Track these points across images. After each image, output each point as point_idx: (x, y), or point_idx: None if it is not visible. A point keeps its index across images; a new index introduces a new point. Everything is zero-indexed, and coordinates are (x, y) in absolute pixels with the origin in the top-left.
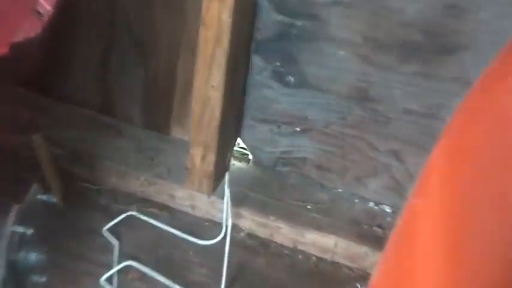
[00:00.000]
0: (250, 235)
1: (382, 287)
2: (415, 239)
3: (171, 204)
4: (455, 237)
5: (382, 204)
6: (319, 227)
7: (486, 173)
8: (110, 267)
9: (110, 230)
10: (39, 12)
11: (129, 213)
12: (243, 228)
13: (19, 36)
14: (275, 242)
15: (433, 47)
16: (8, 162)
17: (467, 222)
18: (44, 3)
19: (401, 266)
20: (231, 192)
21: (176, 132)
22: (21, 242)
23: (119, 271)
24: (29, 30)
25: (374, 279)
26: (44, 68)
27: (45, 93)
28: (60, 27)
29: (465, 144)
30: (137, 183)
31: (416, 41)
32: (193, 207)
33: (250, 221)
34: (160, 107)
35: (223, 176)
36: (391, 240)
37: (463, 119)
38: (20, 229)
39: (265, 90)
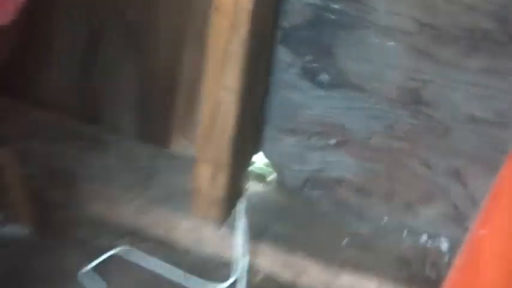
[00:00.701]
0: (271, 278)
1: None
2: (479, 274)
3: (171, 238)
4: None
5: (438, 237)
6: (357, 267)
7: None
8: None
9: (91, 272)
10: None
11: (116, 250)
12: (262, 269)
13: None
14: (302, 286)
15: (505, 37)
16: None
17: None
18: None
19: None
20: (248, 223)
21: (178, 146)
22: None
23: None
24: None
25: None
26: (13, 65)
27: (14, 97)
28: (34, 12)
29: None
30: (128, 211)
31: (485, 29)
32: (199, 241)
33: (271, 260)
34: (158, 114)
35: (237, 202)
36: (453, 275)
37: None
38: None
39: (293, 92)
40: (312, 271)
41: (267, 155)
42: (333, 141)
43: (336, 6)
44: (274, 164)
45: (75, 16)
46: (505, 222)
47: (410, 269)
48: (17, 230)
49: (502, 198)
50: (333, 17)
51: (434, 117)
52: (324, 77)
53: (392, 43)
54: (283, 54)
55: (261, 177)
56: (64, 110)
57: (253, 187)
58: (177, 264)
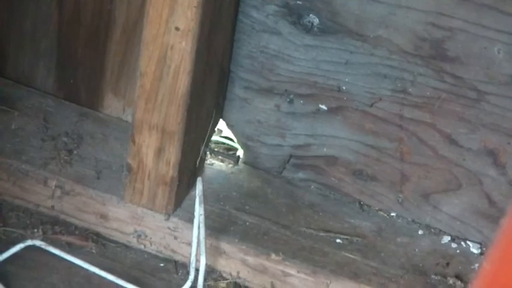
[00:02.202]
0: (237, 285)
1: None
2: None
3: (102, 230)
4: None
5: (464, 239)
6: (355, 276)
7: None
8: None
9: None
10: None
11: (27, 243)
12: (225, 273)
13: None
14: None
15: None
16: None
17: None
18: None
19: None
20: (207, 213)
21: (111, 107)
22: None
23: None
24: None
25: None
26: None
27: None
28: None
29: None
30: (43, 193)
31: None
32: (139, 235)
33: (238, 262)
34: (84, 65)
35: (193, 184)
36: (483, 276)
37: None
38: None
39: (269, 37)
40: (293, 279)
41: (231, 123)
42: (324, 106)
43: None
44: (241, 135)
45: None
46: None
47: (427, 279)
48: None
49: None
50: None
51: (463, 78)
52: (313, 18)
53: None
54: None
55: (225, 153)
56: None
57: (215, 165)
58: (109, 266)
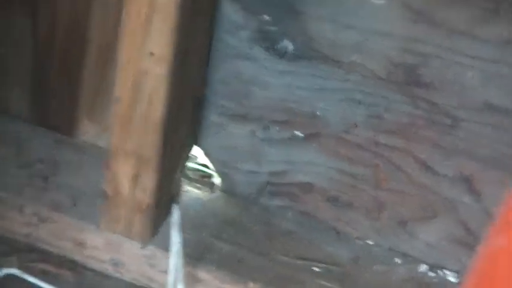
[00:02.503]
0: None
1: None
2: None
3: (79, 258)
4: None
5: (442, 268)
6: None
7: None
8: None
9: None
10: None
11: (3, 271)
12: None
13: None
14: None
15: None
16: None
17: None
18: None
19: None
20: (184, 241)
21: (87, 133)
22: None
23: None
24: None
25: None
26: None
27: None
28: None
29: None
30: (19, 221)
31: None
32: (116, 264)
33: None
34: (60, 91)
35: (170, 212)
36: None
37: None
38: None
39: (244, 63)
40: None
41: (206, 150)
42: (299, 133)
43: None
44: (217, 162)
45: None
46: None
47: None
48: None
49: None
50: None
51: (437, 104)
52: (287, 44)
53: (381, 1)
54: (231, 11)
55: (201, 180)
56: None
57: (191, 193)
58: None
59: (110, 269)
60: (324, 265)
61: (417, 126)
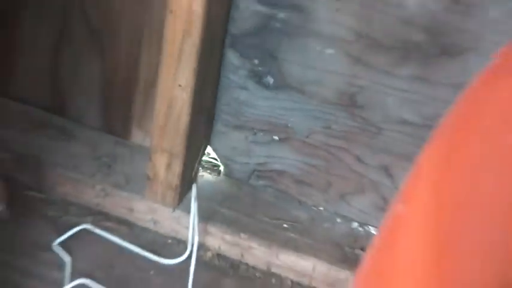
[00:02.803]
0: (219, 255)
1: None
2: (396, 248)
3: (130, 218)
4: (439, 248)
5: (367, 225)
6: (296, 248)
7: (480, 178)
8: (61, 286)
9: (61, 244)
10: None
11: (82, 226)
12: (211, 247)
13: None
14: (246, 264)
15: (434, 48)
16: None
17: (453, 232)
18: None
19: (381, 275)
20: (199, 207)
21: (137, 137)
22: None
23: None
24: None
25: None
26: None
27: None
28: (3, 10)
29: (459, 145)
30: (92, 194)
31: (416, 41)
32: (155, 222)
33: (219, 240)
34: (119, 108)
35: (190, 189)
36: (372, 247)
37: (458, 119)
38: None
39: (240, 91)
40: (255, 251)
41: (215, 149)
42: (276, 137)
43: (281, 15)
44: (222, 156)
45: (44, 16)
46: (421, 199)
47: (342, 251)
48: None
49: (419, 177)
50: (278, 25)
51: (368, 119)
52: (269, 79)
53: (331, 51)
54: (232, 58)
55: (211, 168)
56: (33, 101)
57: (205, 176)
58: (136, 242)
59: (151, 226)
60: (290, 223)
61: (354, 133)
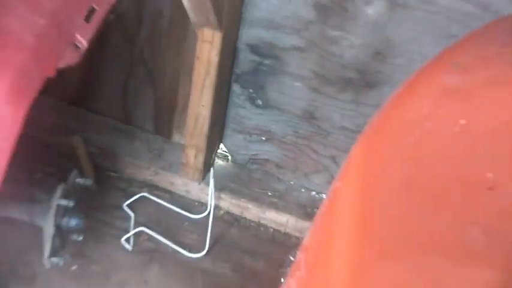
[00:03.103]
0: (227, 212)
1: (309, 253)
2: (334, 214)
3: (172, 189)
4: (365, 214)
5: (322, 193)
6: (276, 208)
7: (392, 163)
8: (128, 232)
9: (128, 206)
10: (76, 46)
11: (141, 194)
12: (222, 207)
13: (62, 64)
14: (245, 218)
15: (362, 82)
16: (55, 156)
17: (375, 202)
18: (80, 39)
19: (323, 232)
20: (215, 182)
21: (176, 137)
22: (65, 211)
23: (134, 234)
24: (69, 59)
25: (303, 247)
26: (80, 88)
27: (81, 106)
28: (92, 58)
29: (376, 141)
30: (147, 173)
31: (351, 78)
32: (187, 191)
33: (228, 203)
34: (165, 119)
35: (209, 170)
36: (318, 214)
37: (376, 125)
38: (64, 202)
39: (241, 109)
40: (251, 209)
41: (225, 145)
42: (264, 138)
43: (267, 62)
44: (229, 150)
45: (117, 63)
46: (352, 178)
47: (306, 210)
48: (84, 181)
49: (351, 163)
50: (264, 68)
51: (321, 126)
52: (259, 102)
53: (298, 84)
54: (236, 88)
55: (223, 157)
56: (111, 115)
57: (218, 163)
58: (175, 204)
59: (184, 194)
60: (272, 192)
61: (313, 135)
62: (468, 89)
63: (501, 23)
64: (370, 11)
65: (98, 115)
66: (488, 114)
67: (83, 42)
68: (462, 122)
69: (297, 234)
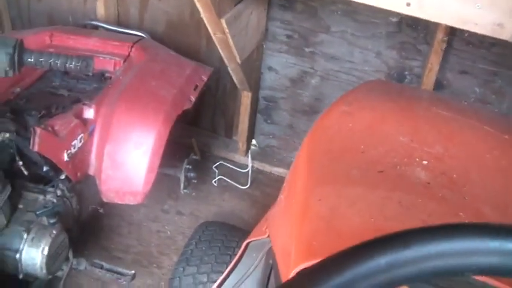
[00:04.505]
0: (257, 169)
1: (284, 192)
2: (296, 167)
3: (234, 159)
4: (310, 164)
5: None
6: (288, 167)
7: (321, 142)
8: (215, 178)
9: (215, 167)
10: (190, 101)
11: (220, 162)
12: (255, 167)
13: (185, 107)
14: (265, 171)
15: (311, 112)
16: (182, 149)
17: (314, 159)
18: (192, 98)
19: (291, 178)
20: (251, 156)
21: (235, 136)
22: (188, 170)
23: (218, 179)
24: (187, 106)
25: (282, 189)
26: (192, 117)
27: (193, 125)
28: (196, 105)
29: (314, 133)
30: (223, 153)
31: (306, 110)
32: (240, 160)
33: (257, 165)
34: (229, 129)
35: (248, 152)
36: (290, 169)
37: (314, 127)
38: (188, 166)
39: (260, 124)
40: (266, 168)
41: (256, 140)
42: (270, 137)
43: (270, 104)
44: (258, 142)
45: (207, 102)
46: (304, 154)
47: None
48: (196, 158)
49: (303, 146)
50: (270, 106)
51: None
52: (268, 121)
53: (285, 113)
54: (258, 115)
55: (253, 145)
56: (207, 128)
57: (252, 148)
58: (236, 165)
59: (238, 159)
60: (277, 161)
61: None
62: (352, 112)
63: (370, 83)
64: (313, 81)
65: (202, 128)
66: (360, 122)
67: (193, 99)
68: (350, 125)
69: None
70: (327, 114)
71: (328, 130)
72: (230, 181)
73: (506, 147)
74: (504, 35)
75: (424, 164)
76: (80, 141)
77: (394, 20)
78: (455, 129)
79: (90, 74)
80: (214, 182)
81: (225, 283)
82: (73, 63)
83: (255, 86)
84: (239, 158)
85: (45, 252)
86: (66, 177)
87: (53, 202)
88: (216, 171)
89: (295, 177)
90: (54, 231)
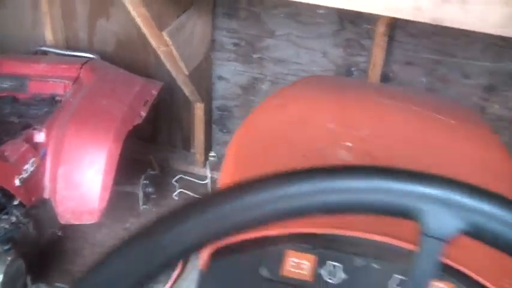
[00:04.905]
0: (215, 179)
1: (221, 177)
2: (228, 153)
3: (193, 171)
4: (237, 165)
5: None
6: None
7: (249, 132)
8: (175, 191)
9: (175, 181)
10: (140, 116)
11: (180, 176)
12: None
13: (135, 122)
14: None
15: None
16: (141, 166)
17: (242, 145)
18: (142, 113)
19: (226, 161)
20: (210, 166)
21: (193, 149)
22: (146, 186)
23: (179, 192)
24: (137, 121)
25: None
26: (144, 132)
27: (147, 141)
28: (148, 119)
29: (244, 126)
30: (183, 167)
31: None
32: (198, 172)
33: (215, 175)
34: (186, 141)
35: (206, 164)
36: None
37: (246, 120)
38: (145, 182)
39: (216, 133)
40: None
41: (214, 150)
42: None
43: (224, 113)
44: (216, 153)
45: (163, 116)
46: (234, 146)
47: None
48: (154, 172)
49: (233, 140)
50: (224, 115)
51: None
52: (224, 130)
53: (239, 121)
54: (214, 126)
55: (211, 156)
56: (161, 143)
57: (210, 159)
58: (195, 177)
59: (197, 171)
60: None
61: None
62: (285, 104)
63: (307, 78)
64: (264, 86)
65: (160, 144)
66: (292, 114)
67: (143, 114)
68: (282, 117)
69: None
70: (258, 109)
71: (259, 124)
72: (191, 193)
73: (438, 127)
74: (423, 17)
75: (349, 145)
76: (32, 166)
77: (336, 18)
78: (386, 112)
79: (27, 94)
80: (175, 195)
81: None
82: (8, 83)
83: (206, 96)
84: (198, 170)
85: (0, 279)
86: (20, 202)
87: (5, 228)
88: (176, 184)
89: (223, 175)
90: (9, 258)
